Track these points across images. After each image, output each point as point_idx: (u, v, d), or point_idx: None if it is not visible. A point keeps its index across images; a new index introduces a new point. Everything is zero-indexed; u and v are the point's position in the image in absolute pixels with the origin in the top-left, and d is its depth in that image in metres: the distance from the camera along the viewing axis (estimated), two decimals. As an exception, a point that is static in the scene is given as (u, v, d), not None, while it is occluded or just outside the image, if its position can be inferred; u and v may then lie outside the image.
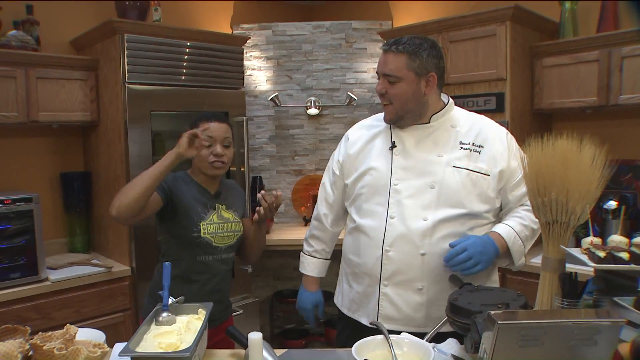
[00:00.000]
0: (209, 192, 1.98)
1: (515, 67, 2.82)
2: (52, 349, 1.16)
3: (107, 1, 3.19)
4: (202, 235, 1.89)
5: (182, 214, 1.89)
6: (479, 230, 1.72)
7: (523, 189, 1.69)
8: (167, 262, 1.67)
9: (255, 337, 1.26)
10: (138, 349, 1.34)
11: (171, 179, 1.91)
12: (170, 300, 1.59)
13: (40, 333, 1.33)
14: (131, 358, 1.29)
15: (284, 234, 3.64)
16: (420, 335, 1.49)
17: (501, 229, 1.71)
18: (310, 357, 1.56)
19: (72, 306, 2.66)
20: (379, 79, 1.75)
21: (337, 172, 1.93)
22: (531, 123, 2.98)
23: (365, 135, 1.88)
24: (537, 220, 1.55)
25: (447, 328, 1.53)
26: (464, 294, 1.48)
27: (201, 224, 1.90)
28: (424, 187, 1.70)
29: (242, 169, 3.28)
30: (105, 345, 1.23)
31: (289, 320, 4.00)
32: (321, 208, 2.01)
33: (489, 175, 1.70)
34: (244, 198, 2.16)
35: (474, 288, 1.53)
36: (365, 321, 1.78)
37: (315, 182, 3.89)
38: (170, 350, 1.34)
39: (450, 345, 1.51)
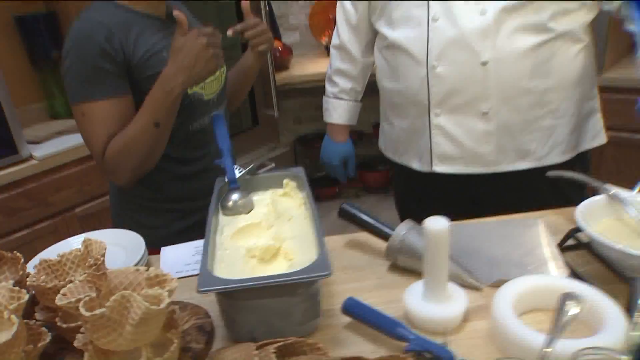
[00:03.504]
0: (159, 18, 1.23)
1: None
2: (75, 307, 0.60)
3: None
4: (189, 90, 1.20)
5: (149, 74, 1.15)
6: (567, 19, 1.18)
7: None
8: (217, 113, 1.06)
9: (440, 225, 0.72)
10: (219, 271, 0.80)
11: (108, 34, 1.10)
12: (237, 170, 1.02)
13: (42, 259, 0.78)
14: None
15: (304, 68, 3.11)
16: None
17: None
18: (482, 228, 1.08)
19: (72, 186, 2.13)
20: None
21: None
22: None
23: None
24: None
25: None
26: None
27: None
28: None
29: (251, -10, 2.56)
30: (169, 274, 0.68)
31: (317, 168, 3.55)
32: (342, 34, 1.52)
33: None
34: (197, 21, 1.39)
35: None
36: (416, 165, 1.39)
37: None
38: (283, 272, 0.79)
39: None
